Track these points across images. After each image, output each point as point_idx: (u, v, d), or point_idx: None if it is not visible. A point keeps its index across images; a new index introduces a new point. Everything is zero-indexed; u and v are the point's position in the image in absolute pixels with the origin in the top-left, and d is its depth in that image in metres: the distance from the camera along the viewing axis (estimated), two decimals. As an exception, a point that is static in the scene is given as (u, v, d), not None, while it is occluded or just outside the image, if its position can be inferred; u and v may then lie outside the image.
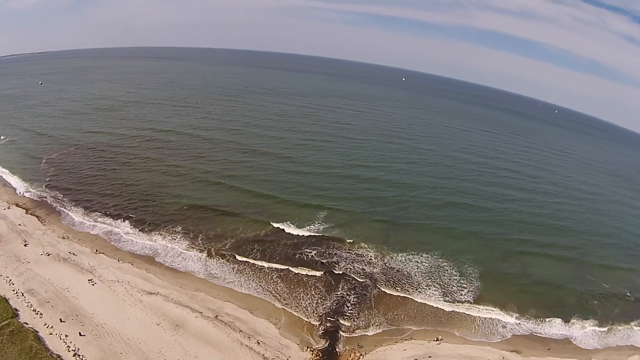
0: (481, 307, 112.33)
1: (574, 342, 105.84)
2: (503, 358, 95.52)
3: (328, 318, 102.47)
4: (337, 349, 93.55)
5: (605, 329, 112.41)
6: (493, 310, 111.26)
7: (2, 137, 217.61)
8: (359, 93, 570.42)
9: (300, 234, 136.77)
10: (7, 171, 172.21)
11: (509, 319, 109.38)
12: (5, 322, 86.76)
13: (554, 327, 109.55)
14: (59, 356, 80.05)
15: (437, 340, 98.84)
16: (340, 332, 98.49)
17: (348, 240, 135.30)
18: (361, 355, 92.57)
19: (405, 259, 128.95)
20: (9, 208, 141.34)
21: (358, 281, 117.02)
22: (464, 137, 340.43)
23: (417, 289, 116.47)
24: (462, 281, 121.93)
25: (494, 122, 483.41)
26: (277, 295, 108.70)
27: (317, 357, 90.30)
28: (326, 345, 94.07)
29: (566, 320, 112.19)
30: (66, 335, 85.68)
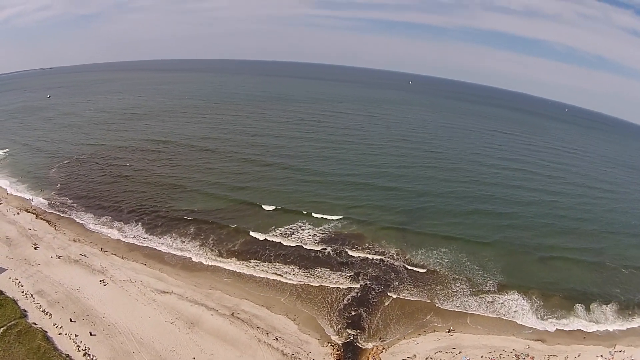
0: (505, 298, 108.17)
1: (597, 330, 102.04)
2: (529, 347, 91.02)
3: (349, 312, 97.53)
4: (358, 343, 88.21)
5: (629, 317, 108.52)
6: (517, 301, 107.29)
7: (22, 143, 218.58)
8: (368, 98, 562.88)
9: (315, 235, 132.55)
10: (17, 179, 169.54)
11: (534, 310, 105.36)
12: (13, 322, 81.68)
13: (578, 317, 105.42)
14: (68, 355, 74.91)
15: (449, 331, 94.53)
16: (362, 326, 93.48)
17: (366, 241, 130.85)
18: (384, 348, 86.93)
19: (425, 256, 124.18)
20: (18, 214, 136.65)
21: (378, 277, 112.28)
22: (479, 138, 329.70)
23: (439, 284, 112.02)
24: (484, 275, 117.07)
25: (506, 123, 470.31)
26: (295, 291, 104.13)
27: (339, 352, 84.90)
28: (347, 339, 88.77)
29: (589, 310, 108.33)
30: (76, 335, 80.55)
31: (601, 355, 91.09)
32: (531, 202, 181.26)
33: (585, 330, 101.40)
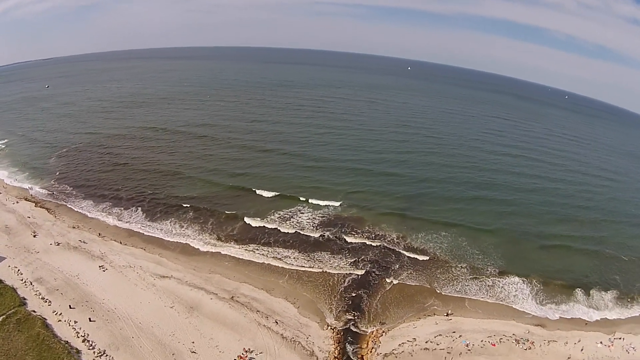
0: (505, 283, 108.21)
1: (597, 316, 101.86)
2: (528, 332, 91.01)
3: (348, 296, 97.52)
4: (358, 327, 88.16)
5: (628, 304, 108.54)
6: (517, 287, 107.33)
7: (19, 133, 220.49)
8: (367, 83, 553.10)
9: (315, 220, 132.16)
10: (16, 169, 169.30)
11: (534, 295, 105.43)
12: (12, 310, 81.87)
13: (578, 303, 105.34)
14: (67, 342, 75.09)
15: (447, 315, 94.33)
16: (362, 310, 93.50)
17: (366, 226, 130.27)
18: (384, 332, 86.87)
19: (425, 241, 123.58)
20: (17, 202, 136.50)
21: (378, 262, 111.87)
22: (479, 124, 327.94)
23: (439, 268, 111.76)
24: (485, 261, 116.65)
25: (506, 109, 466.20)
26: (295, 275, 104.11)
27: (339, 335, 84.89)
28: (347, 323, 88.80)
29: (589, 296, 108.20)
30: (75, 322, 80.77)
31: (601, 342, 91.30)
32: (532, 189, 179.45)
33: (585, 316, 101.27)
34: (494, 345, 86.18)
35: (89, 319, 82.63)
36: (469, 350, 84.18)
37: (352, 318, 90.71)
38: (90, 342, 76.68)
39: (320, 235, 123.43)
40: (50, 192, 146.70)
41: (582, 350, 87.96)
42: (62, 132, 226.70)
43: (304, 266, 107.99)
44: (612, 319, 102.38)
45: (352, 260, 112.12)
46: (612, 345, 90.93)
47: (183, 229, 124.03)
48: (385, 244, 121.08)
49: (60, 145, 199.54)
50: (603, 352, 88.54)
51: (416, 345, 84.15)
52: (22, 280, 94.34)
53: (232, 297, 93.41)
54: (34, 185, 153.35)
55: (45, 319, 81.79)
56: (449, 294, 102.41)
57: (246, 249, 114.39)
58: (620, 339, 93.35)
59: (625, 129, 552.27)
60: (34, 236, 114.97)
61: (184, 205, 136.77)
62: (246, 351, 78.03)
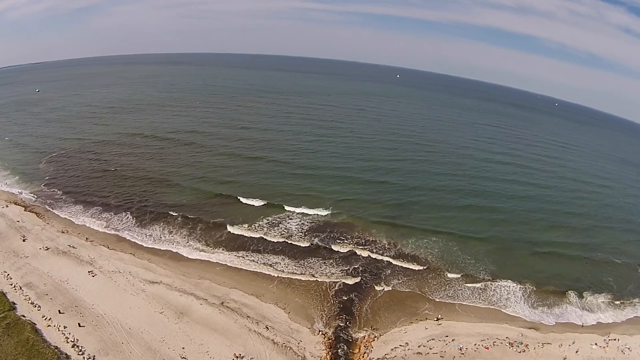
0: (498, 288, 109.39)
1: (591, 319, 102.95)
2: (522, 335, 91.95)
3: (339, 302, 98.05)
4: (350, 332, 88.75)
5: (622, 306, 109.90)
6: (510, 291, 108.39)
7: (6, 138, 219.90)
8: (357, 90, 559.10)
9: (304, 228, 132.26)
10: (6, 173, 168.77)
11: (527, 299, 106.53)
12: (2, 315, 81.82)
13: (572, 306, 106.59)
14: (57, 347, 75.04)
15: (437, 320, 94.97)
16: (353, 315, 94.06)
17: (356, 234, 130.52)
18: (376, 337, 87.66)
19: (416, 248, 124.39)
20: (7, 206, 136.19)
21: (368, 268, 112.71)
22: (470, 131, 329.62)
23: (431, 274, 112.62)
24: (477, 266, 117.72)
25: (496, 116, 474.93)
26: (285, 280, 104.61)
27: (330, 341, 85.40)
28: (339, 328, 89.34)
29: (583, 299, 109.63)
30: (65, 327, 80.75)
31: (596, 344, 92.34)
32: (524, 196, 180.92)
33: (579, 319, 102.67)
34: (488, 348, 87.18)
35: (79, 324, 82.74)
36: (462, 354, 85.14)
37: (344, 323, 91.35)
38: (80, 348, 76.83)
39: (310, 243, 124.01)
40: (39, 197, 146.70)
41: (577, 352, 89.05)
42: (51, 137, 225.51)
43: (294, 273, 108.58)
44: (606, 320, 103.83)
45: (343, 266, 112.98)
46: (607, 346, 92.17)
47: (172, 235, 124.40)
48: (376, 251, 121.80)
49: (49, 151, 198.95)
50: (598, 354, 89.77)
51: (409, 349, 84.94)
52: (11, 284, 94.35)
53: (222, 302, 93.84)
54: (23, 189, 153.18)
55: (34, 323, 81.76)
56: (441, 299, 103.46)
57: (235, 256, 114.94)
58: (615, 340, 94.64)
59: (616, 136, 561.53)
60: (23, 240, 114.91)
61: (173, 213, 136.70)
62: (237, 357, 78.52)
